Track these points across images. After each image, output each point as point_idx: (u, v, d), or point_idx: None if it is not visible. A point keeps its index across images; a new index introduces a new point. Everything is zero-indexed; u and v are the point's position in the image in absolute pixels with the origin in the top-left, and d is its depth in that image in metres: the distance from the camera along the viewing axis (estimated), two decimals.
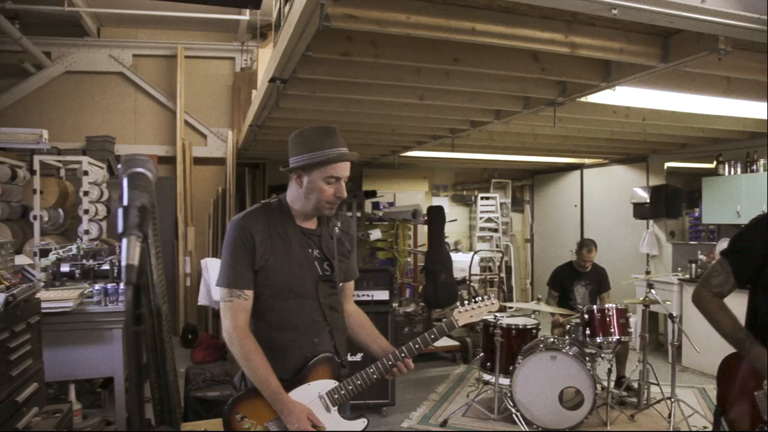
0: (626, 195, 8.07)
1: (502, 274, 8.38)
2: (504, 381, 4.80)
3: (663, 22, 2.69)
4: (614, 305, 4.81)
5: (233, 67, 8.61)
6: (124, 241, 1.18)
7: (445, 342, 6.73)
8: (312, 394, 2.11)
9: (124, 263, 1.15)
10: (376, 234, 7.04)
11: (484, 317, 2.35)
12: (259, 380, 2.04)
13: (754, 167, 6.31)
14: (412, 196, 9.10)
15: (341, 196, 2.14)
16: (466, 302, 2.33)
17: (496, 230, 9.92)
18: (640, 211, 7.75)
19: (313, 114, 5.10)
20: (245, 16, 7.54)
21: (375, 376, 2.16)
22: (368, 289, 4.89)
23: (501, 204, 10.06)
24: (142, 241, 1.20)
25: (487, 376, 5.13)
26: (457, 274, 7.67)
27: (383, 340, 2.32)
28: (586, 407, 4.51)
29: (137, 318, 1.15)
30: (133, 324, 1.14)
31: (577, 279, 5.63)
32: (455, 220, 8.12)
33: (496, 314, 4.93)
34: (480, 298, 2.35)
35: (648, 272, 5.29)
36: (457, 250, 9.14)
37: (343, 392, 2.14)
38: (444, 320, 2.26)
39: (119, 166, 2.28)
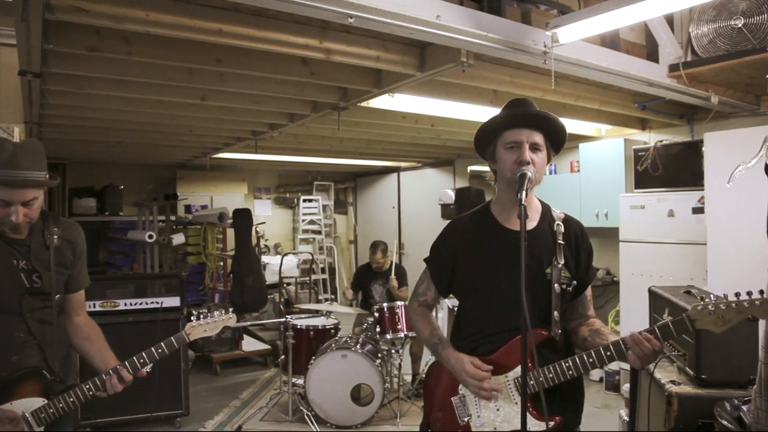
0: (437, 197, 8.47)
1: (315, 276, 8.46)
2: (301, 382, 4.83)
3: (404, 34, 2.83)
4: (403, 303, 5.04)
5: None
6: None
7: (255, 346, 6.65)
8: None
9: None
10: (178, 238, 6.77)
11: (220, 330, 2.33)
12: None
13: None
14: (230, 198, 8.87)
15: (16, 222, 1.94)
16: (201, 316, 2.29)
17: (319, 232, 10.00)
18: (447, 211, 8.16)
19: (98, 112, 4.76)
20: None
21: (91, 393, 2.06)
22: (157, 295, 4.66)
23: (324, 206, 10.16)
24: None
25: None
26: (274, 277, 7.61)
27: (109, 354, 2.21)
28: (376, 402, 4.67)
29: None
30: None
31: (374, 279, 5.82)
32: (263, 222, 8.03)
33: (287, 316, 4.95)
34: (218, 312, 2.33)
35: None
36: (277, 253, 9.06)
37: (52, 410, 2.00)
38: (175, 335, 2.21)
39: None
